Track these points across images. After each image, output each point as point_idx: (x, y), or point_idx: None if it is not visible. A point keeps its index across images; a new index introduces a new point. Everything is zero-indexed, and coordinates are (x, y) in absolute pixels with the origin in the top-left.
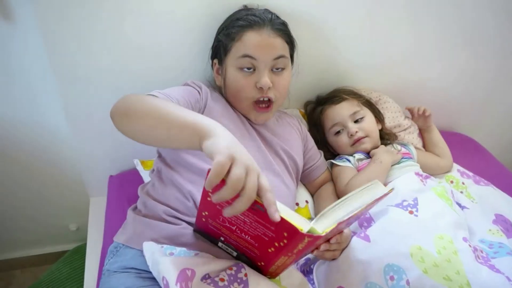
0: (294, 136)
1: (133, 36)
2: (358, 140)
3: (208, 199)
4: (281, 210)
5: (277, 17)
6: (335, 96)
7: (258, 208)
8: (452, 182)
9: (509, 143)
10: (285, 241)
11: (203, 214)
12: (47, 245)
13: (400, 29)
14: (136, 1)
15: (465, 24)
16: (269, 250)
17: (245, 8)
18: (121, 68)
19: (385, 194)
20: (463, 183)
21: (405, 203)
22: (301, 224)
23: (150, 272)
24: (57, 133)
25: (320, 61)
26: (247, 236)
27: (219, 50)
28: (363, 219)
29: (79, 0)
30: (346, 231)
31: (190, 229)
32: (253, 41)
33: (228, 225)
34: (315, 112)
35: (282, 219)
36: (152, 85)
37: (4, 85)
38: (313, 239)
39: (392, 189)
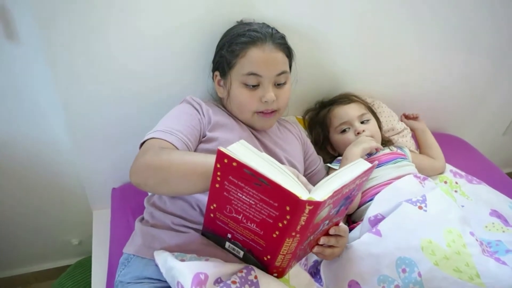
0: (295, 143)
1: (137, 54)
2: None
3: (216, 186)
4: (284, 180)
5: (277, 31)
6: (343, 98)
7: (262, 182)
8: (445, 182)
9: (497, 142)
10: (288, 217)
11: (211, 208)
12: (49, 260)
13: (392, 37)
14: (137, 20)
15: (456, 31)
16: (274, 235)
17: (244, 23)
18: (122, 85)
19: (372, 167)
20: (456, 183)
21: (414, 199)
22: (301, 193)
23: (164, 281)
24: (59, 147)
25: (315, 70)
26: (252, 224)
27: (222, 64)
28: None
29: (83, 19)
30: (342, 224)
31: (198, 236)
32: (257, 58)
33: (235, 215)
34: (321, 112)
35: (283, 188)
36: (156, 101)
37: (7, 101)
38: (313, 208)
39: (376, 162)
